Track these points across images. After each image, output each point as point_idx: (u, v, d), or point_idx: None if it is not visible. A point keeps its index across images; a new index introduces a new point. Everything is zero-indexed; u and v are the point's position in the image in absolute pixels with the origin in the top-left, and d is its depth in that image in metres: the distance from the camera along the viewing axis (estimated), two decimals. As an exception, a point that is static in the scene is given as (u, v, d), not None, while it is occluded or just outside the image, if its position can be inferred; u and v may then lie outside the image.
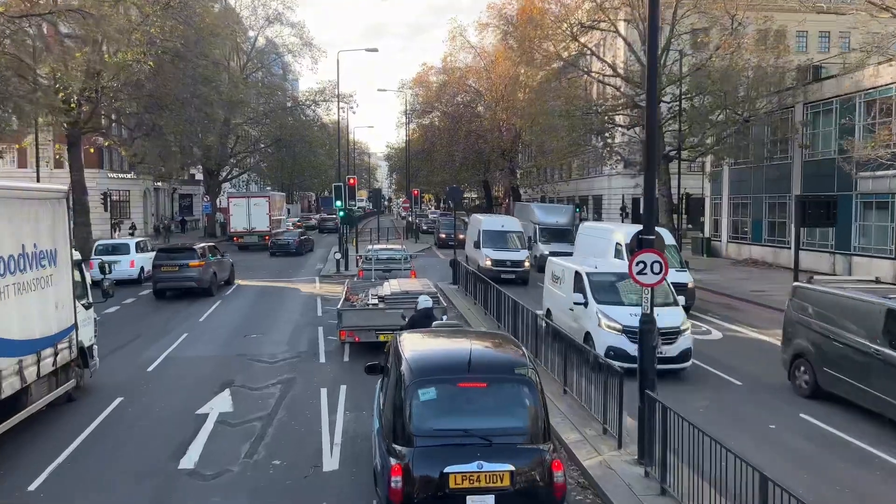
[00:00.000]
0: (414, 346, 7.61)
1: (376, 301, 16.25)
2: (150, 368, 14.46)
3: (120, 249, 27.32)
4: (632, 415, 9.48)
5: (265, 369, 14.36)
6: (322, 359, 15.21)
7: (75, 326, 11.61)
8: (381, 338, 14.88)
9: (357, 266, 28.12)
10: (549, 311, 17.03)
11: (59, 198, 11.45)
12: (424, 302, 12.06)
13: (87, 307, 12.79)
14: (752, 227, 37.35)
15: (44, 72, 29.79)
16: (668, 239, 20.67)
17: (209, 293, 24.05)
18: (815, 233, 31.21)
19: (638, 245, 8.69)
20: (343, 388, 12.77)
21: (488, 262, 27.17)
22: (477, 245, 28.89)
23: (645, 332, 8.67)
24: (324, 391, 12.60)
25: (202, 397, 12.27)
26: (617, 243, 21.66)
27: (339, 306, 15.73)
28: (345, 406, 11.78)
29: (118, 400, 12.20)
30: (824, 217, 24.35)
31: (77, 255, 12.51)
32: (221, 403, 11.95)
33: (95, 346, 13.21)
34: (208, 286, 24.10)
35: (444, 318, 13.34)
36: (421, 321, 11.89)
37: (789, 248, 33.62)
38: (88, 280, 13.37)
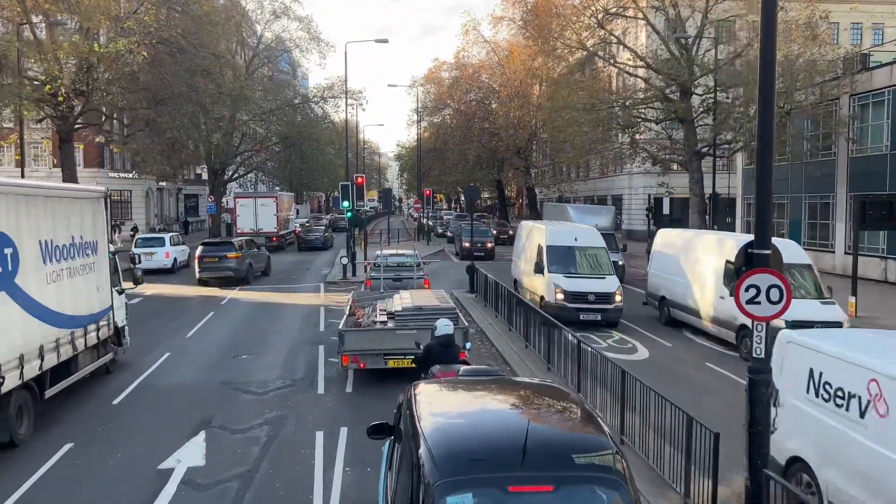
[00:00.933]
0: (436, 412, 5.20)
1: (385, 318, 13.90)
2: (115, 401, 12.14)
3: (157, 243, 31.66)
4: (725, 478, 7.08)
5: (252, 403, 12.01)
6: (320, 388, 12.83)
7: (112, 308, 13.62)
8: (391, 364, 12.56)
9: (365, 272, 25.82)
10: (794, 461, 7.56)
11: (98, 197, 13.47)
12: (444, 327, 9.68)
13: (119, 293, 14.54)
14: (790, 229, 34.70)
15: (28, 62, 27.65)
16: (796, 254, 16.01)
17: (246, 281, 27.10)
18: (862, 235, 28.53)
19: (746, 262, 6.26)
20: (343, 431, 10.40)
21: (560, 297, 18.32)
22: (539, 268, 19.79)
23: (757, 383, 6.25)
24: (320, 435, 10.23)
25: (170, 443, 9.93)
26: (727, 261, 15.78)
27: (340, 326, 13.34)
28: (345, 458, 9.40)
29: (67, 447, 9.90)
30: (885, 218, 21.86)
31: (112, 248, 14.24)
32: (192, 453, 9.59)
33: (127, 327, 14.95)
34: (245, 275, 27.18)
35: (468, 345, 10.98)
36: (439, 352, 9.54)
37: (833, 251, 31.12)
38: (120, 269, 14.99)
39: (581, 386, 11.20)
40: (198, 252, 27.39)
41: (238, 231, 43.85)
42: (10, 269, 9.74)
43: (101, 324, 12.93)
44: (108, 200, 13.90)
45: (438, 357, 9.51)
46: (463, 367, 6.98)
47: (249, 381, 13.38)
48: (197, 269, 27.07)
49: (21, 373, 9.83)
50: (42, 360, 10.53)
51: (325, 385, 13.00)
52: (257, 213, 43.47)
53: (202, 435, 10.33)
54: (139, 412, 11.57)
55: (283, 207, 46.68)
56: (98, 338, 12.77)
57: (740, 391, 12.31)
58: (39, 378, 10.63)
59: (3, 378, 9.37)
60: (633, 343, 16.65)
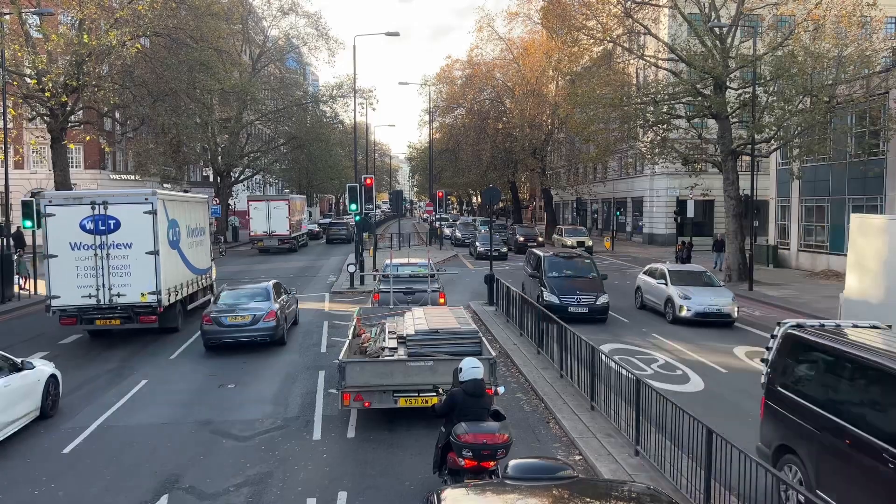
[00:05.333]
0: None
1: (395, 344, 11.68)
2: (66, 449, 9.97)
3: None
4: None
5: (232, 452, 9.81)
6: (317, 432, 10.60)
7: (211, 268, 22.23)
8: (402, 402, 10.35)
9: (374, 280, 23.69)
10: None
11: (206, 201, 22.92)
12: (472, 370, 7.48)
13: (211, 260, 22.73)
14: (831, 233, 32.20)
15: (8, 55, 25.70)
16: None
17: (349, 241, 39.95)
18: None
19: None
20: (342, 497, 8.20)
21: None
22: None
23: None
24: (311, 505, 8.05)
25: (121, 515, 7.79)
26: None
27: (341, 355, 11.09)
28: (342, 543, 7.22)
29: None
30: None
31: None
32: (145, 532, 7.45)
33: (214, 283, 22.65)
34: (350, 238, 41.41)
35: (501, 389, 8.73)
36: (466, 402, 7.35)
37: (881, 258, 28.62)
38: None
39: (640, 437, 8.94)
40: (328, 225, 52.89)
41: (251, 234, 44.48)
42: (178, 238, 18.24)
43: (206, 276, 21.44)
44: (209, 203, 23.78)
45: (464, 409, 7.34)
46: (513, 463, 4.73)
47: (232, 420, 11.18)
48: (325, 236, 51.25)
49: (181, 292, 18.36)
50: (187, 288, 19.04)
51: (323, 427, 10.77)
52: (270, 215, 43.67)
53: (163, 502, 8.15)
54: (92, 465, 9.39)
55: (295, 210, 46.79)
56: (205, 284, 21.34)
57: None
58: (184, 299, 18.90)
59: (179, 294, 18.06)
60: (682, 370, 14.34)
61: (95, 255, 16.20)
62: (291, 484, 8.65)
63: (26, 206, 24.55)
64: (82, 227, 16.13)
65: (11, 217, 28.76)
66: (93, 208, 16.20)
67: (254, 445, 10.04)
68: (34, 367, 11.22)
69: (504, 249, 40.00)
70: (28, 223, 24.45)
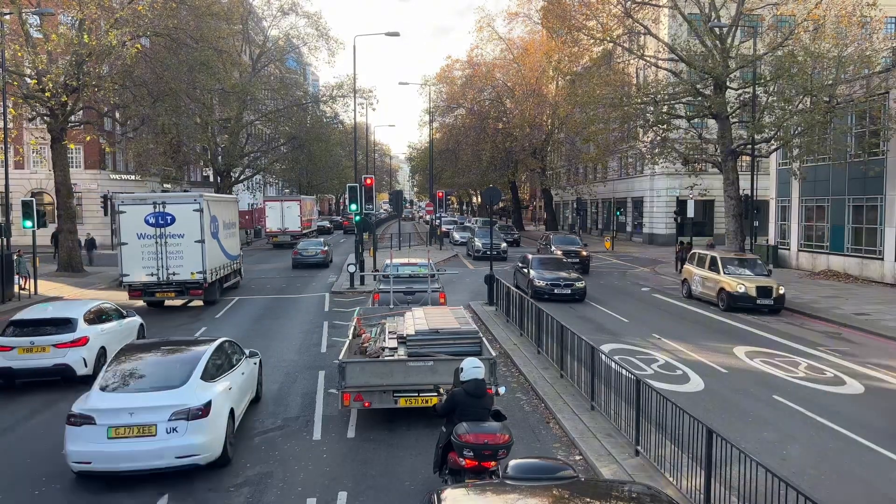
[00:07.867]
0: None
1: (395, 344, 11.68)
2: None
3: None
4: None
5: (232, 452, 9.80)
6: (317, 432, 10.59)
7: (240, 255, 27.47)
8: (402, 402, 10.35)
9: (374, 280, 23.71)
10: None
11: (236, 200, 29.97)
12: (473, 370, 7.48)
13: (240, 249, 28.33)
14: (831, 233, 32.19)
15: (8, 55, 25.70)
16: None
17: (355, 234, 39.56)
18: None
19: None
20: (342, 497, 8.19)
21: None
22: None
23: None
24: (311, 505, 8.04)
25: (121, 514, 7.80)
26: None
27: (341, 355, 11.09)
28: (343, 545, 7.21)
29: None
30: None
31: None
32: (145, 532, 7.45)
33: (242, 268, 28.23)
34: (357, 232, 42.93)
35: (502, 389, 8.72)
36: (467, 403, 7.35)
37: (881, 258, 28.65)
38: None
39: (640, 437, 8.93)
40: (342, 220, 63.93)
41: (267, 230, 50.55)
42: (217, 230, 22.69)
43: (237, 262, 26.28)
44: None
45: (465, 409, 7.34)
46: (513, 463, 4.73)
47: (233, 420, 11.19)
48: (343, 229, 59.53)
49: (219, 273, 22.93)
50: (223, 270, 23.55)
51: (323, 427, 10.76)
52: (283, 214, 49.43)
53: (163, 502, 8.14)
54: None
55: (305, 210, 52.56)
56: (236, 268, 26.10)
57: (827, 435, 9.88)
58: (221, 279, 23.27)
59: (217, 274, 22.69)
60: (682, 370, 14.33)
61: (156, 243, 20.92)
62: (291, 484, 8.65)
63: (26, 205, 24.55)
64: (146, 222, 20.81)
65: (12, 217, 28.75)
66: (154, 207, 20.85)
67: (254, 446, 10.03)
68: (134, 315, 16.00)
69: (581, 284, 23.57)
70: (28, 223, 24.44)
